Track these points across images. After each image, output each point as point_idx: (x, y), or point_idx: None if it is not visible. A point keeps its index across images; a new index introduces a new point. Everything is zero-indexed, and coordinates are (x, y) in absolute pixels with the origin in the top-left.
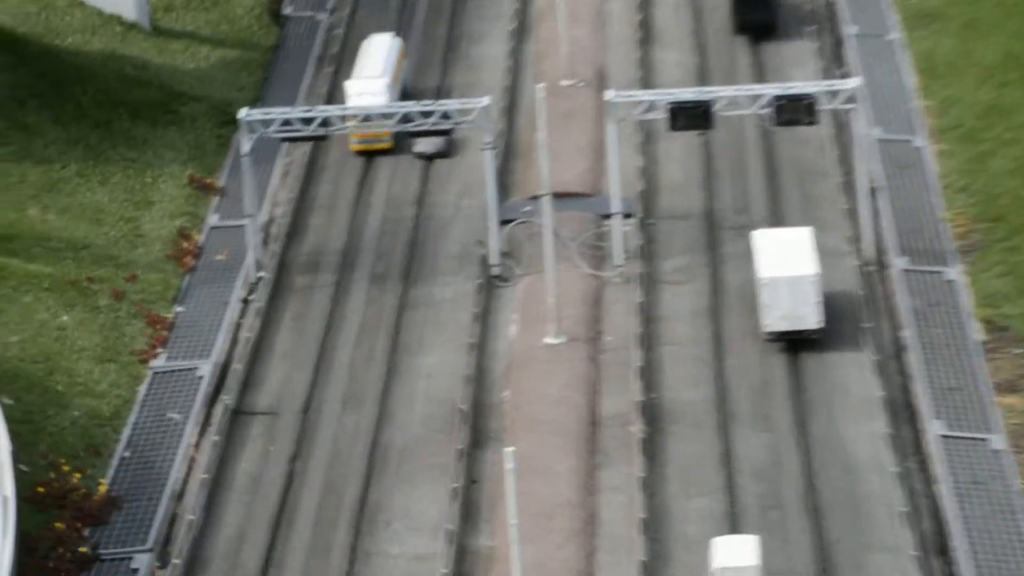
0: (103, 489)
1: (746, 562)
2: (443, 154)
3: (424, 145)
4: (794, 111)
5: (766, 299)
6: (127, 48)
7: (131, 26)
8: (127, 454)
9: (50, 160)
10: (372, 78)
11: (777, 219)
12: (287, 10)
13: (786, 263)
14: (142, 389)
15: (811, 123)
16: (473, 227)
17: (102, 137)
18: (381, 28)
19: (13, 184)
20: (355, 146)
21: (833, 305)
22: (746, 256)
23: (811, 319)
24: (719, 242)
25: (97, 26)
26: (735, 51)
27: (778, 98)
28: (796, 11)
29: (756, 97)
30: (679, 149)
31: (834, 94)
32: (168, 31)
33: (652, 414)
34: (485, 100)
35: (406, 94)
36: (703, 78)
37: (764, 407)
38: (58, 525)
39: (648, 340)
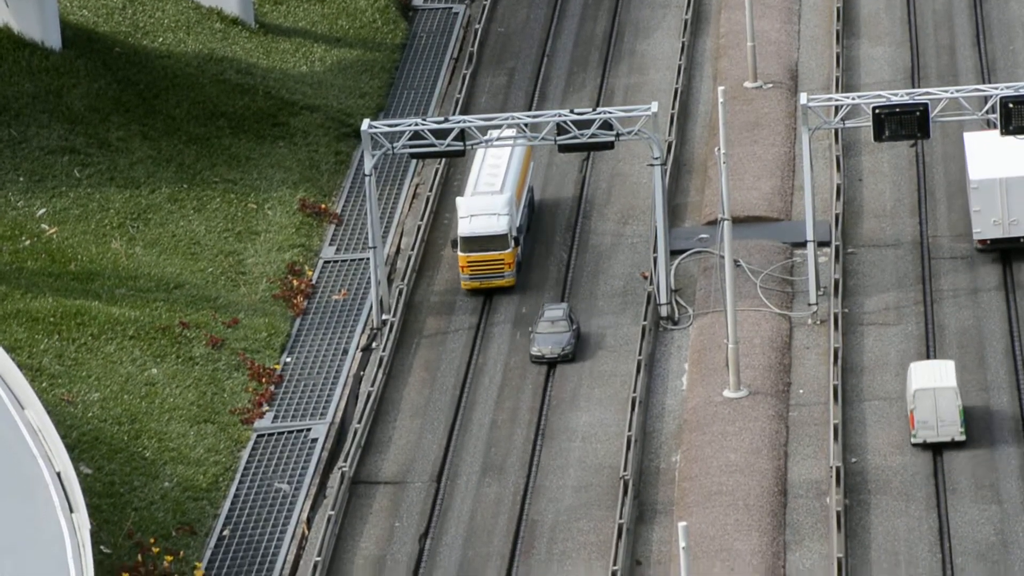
0: (199, 575)
1: (944, 383)
2: (567, 357)
3: (543, 344)
4: None
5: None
6: (228, 49)
7: (233, 22)
8: (226, 533)
9: (137, 183)
10: (489, 194)
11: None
12: (417, 1)
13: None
14: (244, 455)
15: None
16: (638, 259)
17: (198, 155)
18: (529, 19)
19: (94, 212)
20: (467, 283)
21: None
22: (969, 291)
23: None
24: (934, 275)
25: (193, 23)
26: (956, 45)
27: (1008, 100)
28: None
29: (981, 99)
30: (887, 164)
31: None
32: (276, 28)
33: (852, 482)
34: (653, 106)
35: (532, 207)
36: (916, 78)
37: (988, 475)
38: None
39: (847, 394)
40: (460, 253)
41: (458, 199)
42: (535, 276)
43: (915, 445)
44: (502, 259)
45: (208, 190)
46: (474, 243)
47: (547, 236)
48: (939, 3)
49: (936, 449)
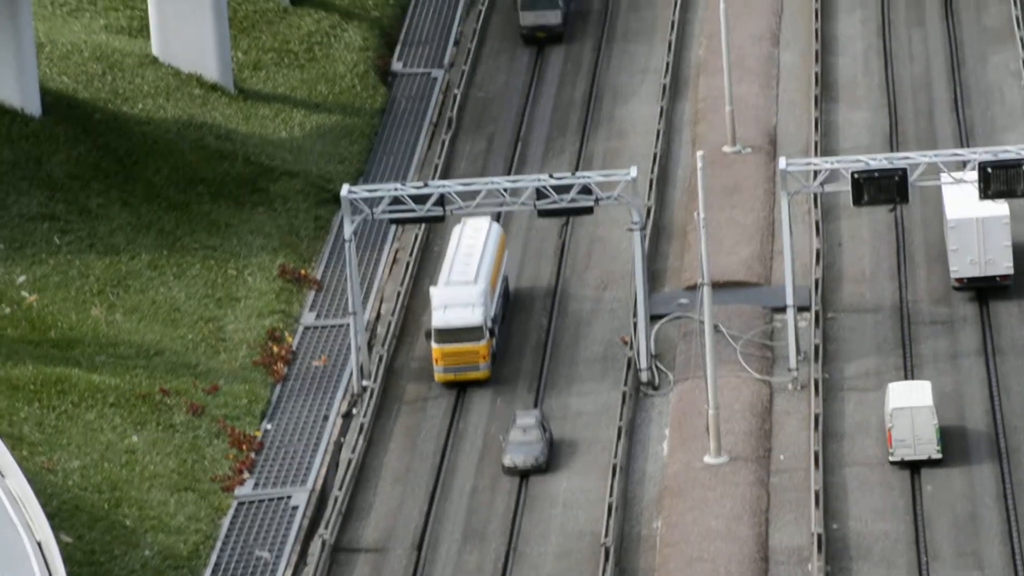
0: None
1: (921, 402)
2: (540, 468)
3: (516, 454)
4: (1007, 180)
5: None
6: (208, 114)
7: (212, 88)
8: None
9: (117, 250)
10: (463, 284)
11: (987, 315)
12: (396, 66)
13: None
14: (225, 522)
15: None
16: (618, 324)
17: (178, 221)
18: (508, 84)
19: (74, 279)
20: (441, 376)
21: None
22: (949, 357)
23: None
24: (915, 340)
25: (172, 89)
26: (935, 110)
27: (987, 165)
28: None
29: (960, 163)
30: (866, 228)
31: None
32: (256, 93)
33: (834, 549)
34: (632, 171)
35: (507, 296)
36: (895, 142)
37: (971, 542)
38: None
39: (828, 459)
40: (434, 345)
41: (431, 289)
42: (515, 342)
43: (893, 463)
44: (476, 351)
45: (188, 256)
46: (448, 335)
47: (526, 302)
48: (917, 68)
49: (922, 514)
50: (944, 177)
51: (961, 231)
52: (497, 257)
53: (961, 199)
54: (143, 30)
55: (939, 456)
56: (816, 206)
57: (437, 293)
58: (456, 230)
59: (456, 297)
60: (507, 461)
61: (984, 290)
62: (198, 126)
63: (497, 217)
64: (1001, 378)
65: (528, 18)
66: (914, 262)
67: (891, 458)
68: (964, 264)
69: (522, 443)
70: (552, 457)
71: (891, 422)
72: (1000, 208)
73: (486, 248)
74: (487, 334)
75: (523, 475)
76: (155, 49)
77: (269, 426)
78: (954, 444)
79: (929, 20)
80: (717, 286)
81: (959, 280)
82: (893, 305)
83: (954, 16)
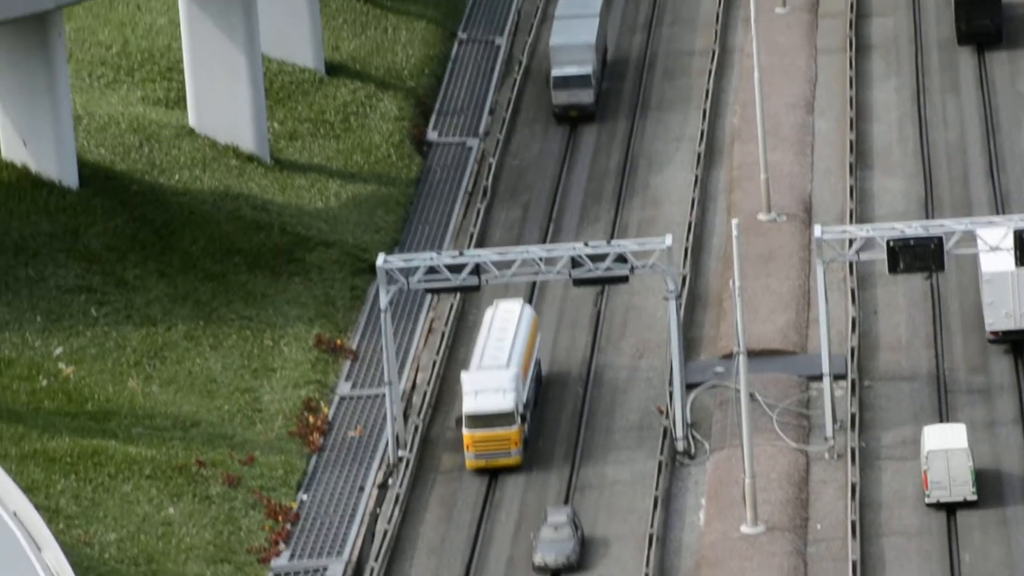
0: None
1: (956, 444)
2: (571, 566)
3: (547, 552)
4: None
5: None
6: (244, 185)
7: (249, 159)
8: None
9: (154, 321)
10: (495, 368)
11: (1020, 384)
12: (432, 136)
13: None
14: None
15: None
16: (653, 393)
17: (215, 292)
18: (542, 153)
19: (110, 351)
20: (472, 462)
21: None
22: (986, 425)
23: None
24: (951, 409)
25: (209, 160)
26: (970, 176)
27: (1022, 232)
28: None
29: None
30: (902, 296)
31: None
32: (292, 164)
33: None
34: (667, 239)
35: (539, 380)
36: (931, 209)
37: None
38: None
39: (865, 529)
40: (465, 431)
41: (463, 374)
42: (551, 410)
43: (929, 505)
44: (508, 437)
45: (224, 327)
46: (479, 420)
47: (563, 370)
48: (952, 135)
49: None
50: (980, 245)
51: (996, 284)
52: (530, 341)
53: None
54: (180, 101)
55: (974, 498)
56: (851, 274)
57: (468, 378)
58: (488, 313)
59: (488, 382)
60: (537, 559)
61: (1020, 344)
62: (234, 197)
63: (532, 287)
64: None
65: (561, 97)
66: (950, 330)
67: (927, 500)
68: (999, 317)
69: (553, 541)
70: (584, 555)
71: (927, 464)
72: None
73: (518, 331)
74: (519, 419)
75: (555, 573)
76: (192, 120)
77: (305, 497)
78: (989, 486)
79: (964, 87)
80: (753, 354)
81: (994, 333)
82: (929, 373)
83: (989, 82)
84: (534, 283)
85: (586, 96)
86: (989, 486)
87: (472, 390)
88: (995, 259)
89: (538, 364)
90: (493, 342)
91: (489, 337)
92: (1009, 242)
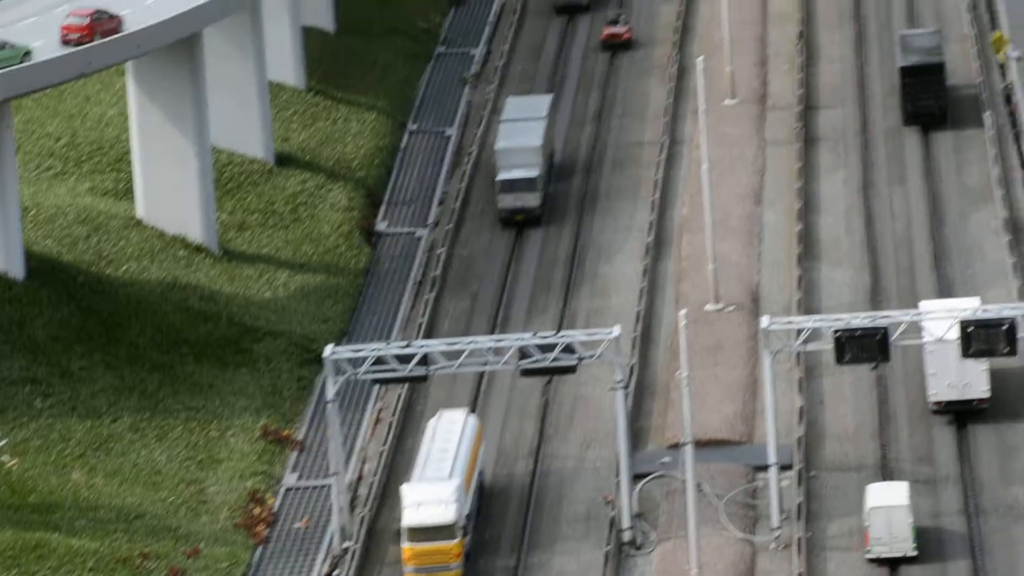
0: None
1: (897, 502)
2: None
3: None
4: (988, 340)
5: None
6: (192, 276)
7: (197, 249)
8: None
9: (99, 412)
10: (437, 480)
11: (968, 470)
12: (381, 226)
13: None
14: None
15: (1010, 354)
16: (601, 483)
17: (161, 383)
18: (491, 243)
19: (55, 443)
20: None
21: None
22: (931, 515)
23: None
24: None
25: (157, 250)
26: (916, 268)
27: (968, 323)
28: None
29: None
30: (848, 386)
31: None
32: (240, 254)
33: None
34: (615, 330)
35: (482, 491)
36: (877, 300)
37: None
38: None
39: None
40: (404, 544)
41: (403, 486)
42: (498, 499)
43: (870, 561)
44: (449, 551)
45: (170, 418)
46: (420, 533)
47: (510, 459)
48: (899, 227)
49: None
50: (926, 336)
51: (939, 355)
52: (473, 451)
53: (939, 324)
54: (128, 192)
55: (915, 554)
56: (798, 364)
57: (409, 491)
58: (431, 424)
59: (429, 494)
60: None
61: (963, 416)
62: (182, 287)
63: (480, 377)
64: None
65: (506, 200)
66: (896, 421)
67: (868, 556)
68: (942, 387)
69: None
70: None
71: (868, 521)
72: None
73: (462, 442)
74: (461, 532)
75: None
76: (140, 211)
77: None
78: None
79: (910, 179)
80: (700, 444)
81: (937, 403)
82: (876, 463)
83: (935, 175)
84: (482, 373)
85: (532, 200)
86: (930, 542)
87: (413, 502)
88: (938, 331)
89: (481, 474)
90: (436, 453)
91: (432, 447)
92: (954, 333)
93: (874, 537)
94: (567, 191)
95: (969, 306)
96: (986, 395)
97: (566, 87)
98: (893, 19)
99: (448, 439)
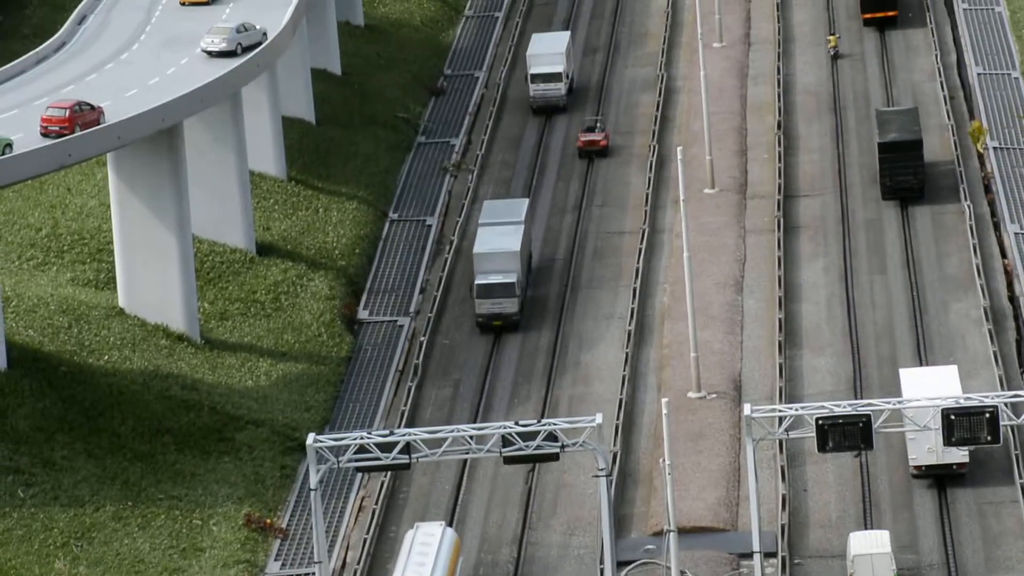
0: None
1: (880, 549)
2: None
3: None
4: (971, 428)
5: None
6: (174, 365)
7: (179, 338)
8: None
9: (82, 502)
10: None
11: (954, 560)
12: (362, 314)
13: None
14: None
15: (992, 442)
16: (584, 571)
17: (143, 472)
18: (473, 331)
19: (37, 532)
20: None
21: None
22: None
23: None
24: None
25: (139, 340)
26: (898, 356)
27: (950, 412)
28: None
29: (923, 410)
30: (831, 474)
31: (1018, 407)
32: (222, 343)
33: None
34: (598, 417)
35: None
36: (859, 388)
37: None
38: None
39: None
40: None
41: None
42: None
43: None
44: None
45: (153, 507)
46: None
47: (494, 547)
48: (880, 315)
49: None
50: (908, 425)
51: (919, 420)
52: (451, 565)
53: (917, 384)
54: (110, 282)
55: None
56: (781, 452)
57: None
58: (408, 536)
59: None
60: None
61: (943, 481)
62: (164, 377)
63: (463, 464)
64: None
65: (484, 306)
66: (879, 508)
67: None
68: (922, 452)
69: None
70: None
71: (852, 568)
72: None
73: (439, 556)
74: None
75: None
76: (121, 301)
77: None
78: None
79: (891, 268)
80: (683, 532)
81: (917, 468)
82: None
83: (915, 264)
84: (465, 461)
85: (510, 305)
86: None
87: None
88: (917, 394)
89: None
90: (413, 567)
91: (409, 562)
92: (936, 422)
93: None
94: (551, 269)
95: (947, 375)
96: (965, 460)
97: (547, 176)
98: (871, 110)
99: (425, 552)
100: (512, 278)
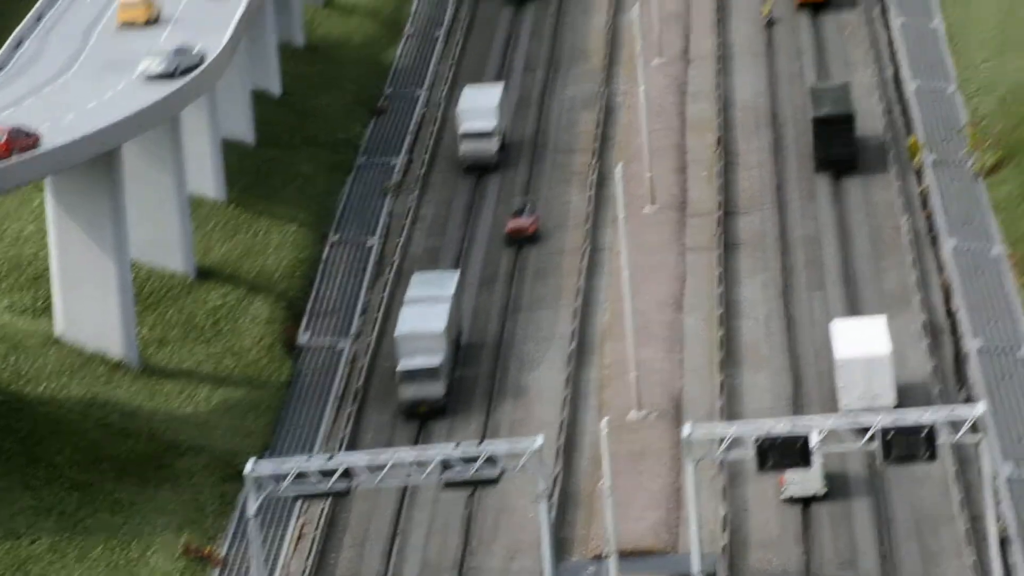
0: None
1: (878, 351)
2: None
3: None
4: (909, 446)
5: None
6: (112, 393)
7: (117, 365)
8: None
9: (17, 534)
10: None
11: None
12: (303, 339)
13: None
14: None
15: (931, 459)
16: None
17: (81, 502)
18: None
19: None
20: None
21: None
22: None
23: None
24: None
25: (76, 368)
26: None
27: (888, 430)
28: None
29: (862, 429)
30: (772, 492)
31: (957, 424)
32: (161, 370)
33: None
34: (538, 440)
35: None
36: (798, 406)
37: None
38: None
39: None
40: None
41: None
42: None
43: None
44: None
45: (90, 538)
46: None
47: (434, 572)
48: (818, 331)
49: None
50: (846, 444)
51: (849, 369)
52: None
53: (849, 339)
54: (47, 310)
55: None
56: (721, 471)
57: None
58: None
59: None
60: None
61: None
62: (102, 404)
63: (403, 489)
64: None
65: (407, 391)
66: (820, 526)
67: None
68: (853, 399)
69: None
70: None
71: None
72: (884, 347)
73: None
74: None
75: None
76: (59, 329)
77: None
78: None
79: (829, 284)
80: (624, 554)
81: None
82: (799, 570)
83: (854, 280)
84: (405, 486)
85: (435, 390)
86: None
87: None
88: (848, 346)
89: None
90: None
91: None
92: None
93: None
94: (492, 288)
95: (876, 326)
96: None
97: (487, 195)
98: (809, 124)
99: None
100: (437, 361)
